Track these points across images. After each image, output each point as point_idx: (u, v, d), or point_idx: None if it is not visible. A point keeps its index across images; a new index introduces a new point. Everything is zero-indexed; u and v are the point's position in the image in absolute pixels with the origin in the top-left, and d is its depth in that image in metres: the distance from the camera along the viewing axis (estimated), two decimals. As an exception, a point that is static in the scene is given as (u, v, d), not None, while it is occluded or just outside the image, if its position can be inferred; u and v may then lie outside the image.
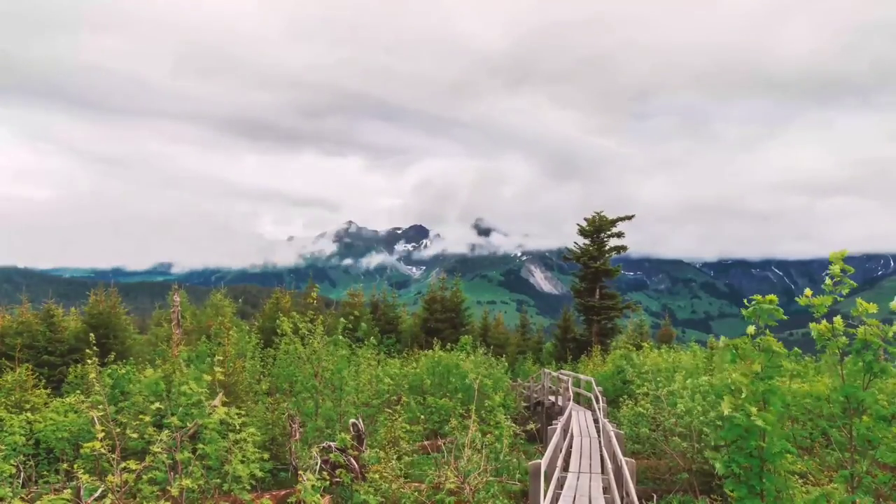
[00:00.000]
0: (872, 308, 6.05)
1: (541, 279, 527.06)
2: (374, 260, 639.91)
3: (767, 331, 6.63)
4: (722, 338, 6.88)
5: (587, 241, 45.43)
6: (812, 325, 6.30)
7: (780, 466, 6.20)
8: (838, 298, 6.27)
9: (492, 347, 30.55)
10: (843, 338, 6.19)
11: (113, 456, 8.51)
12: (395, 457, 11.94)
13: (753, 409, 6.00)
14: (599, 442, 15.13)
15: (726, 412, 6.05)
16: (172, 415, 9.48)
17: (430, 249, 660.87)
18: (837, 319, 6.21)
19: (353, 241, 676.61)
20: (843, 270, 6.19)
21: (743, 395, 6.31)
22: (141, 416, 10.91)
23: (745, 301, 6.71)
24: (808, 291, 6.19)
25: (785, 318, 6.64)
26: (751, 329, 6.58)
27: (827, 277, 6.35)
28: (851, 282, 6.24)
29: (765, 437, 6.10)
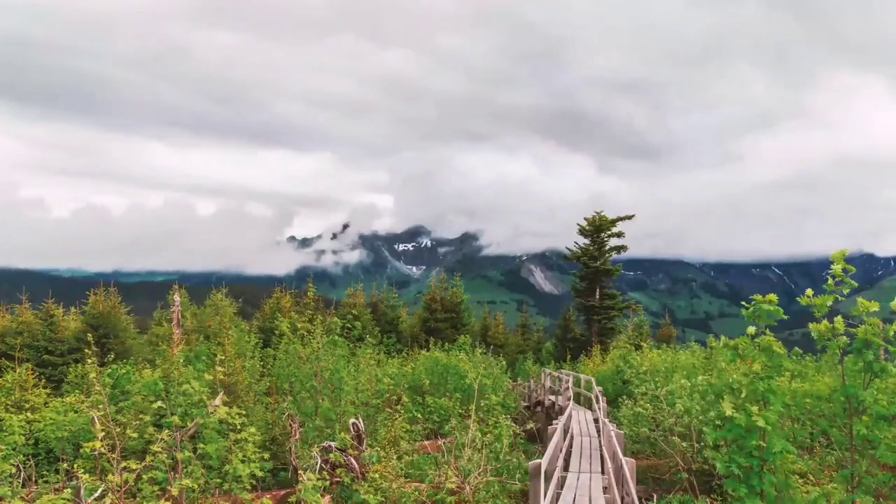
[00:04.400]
0: (874, 306, 6.06)
1: (541, 279, 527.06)
2: (373, 259, 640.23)
3: (768, 331, 6.65)
4: (722, 337, 6.86)
5: (587, 241, 45.46)
6: (812, 325, 6.32)
7: (780, 466, 6.21)
8: (839, 298, 6.30)
9: (491, 347, 30.54)
10: (844, 338, 6.21)
11: (113, 455, 8.52)
12: (395, 456, 11.95)
13: (754, 409, 6.01)
14: (599, 442, 15.13)
15: (728, 412, 6.05)
16: (172, 415, 9.48)
17: (431, 249, 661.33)
18: (838, 319, 6.23)
19: (353, 241, 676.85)
20: (844, 270, 6.21)
21: (743, 395, 6.32)
22: (141, 416, 10.93)
23: (747, 301, 6.72)
24: (809, 292, 6.21)
25: (785, 317, 6.65)
26: (751, 329, 6.59)
27: (828, 277, 6.37)
28: (852, 282, 6.26)
29: (765, 436, 6.11)
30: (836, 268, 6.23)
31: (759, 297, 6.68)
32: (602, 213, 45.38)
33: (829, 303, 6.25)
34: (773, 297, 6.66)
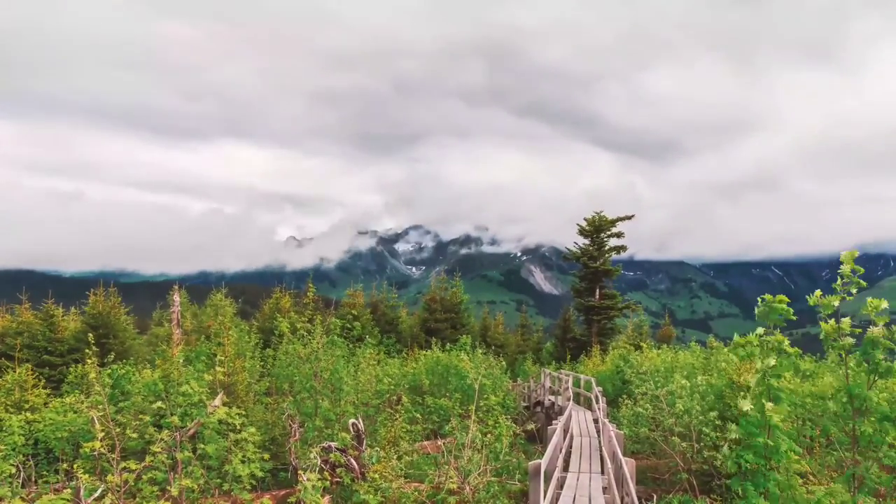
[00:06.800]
0: (883, 303, 6.06)
1: (541, 279, 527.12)
2: (373, 259, 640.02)
3: (777, 331, 6.65)
4: (735, 336, 6.86)
5: (587, 241, 45.46)
6: (823, 324, 6.31)
7: (785, 465, 6.21)
8: (847, 297, 6.29)
9: (492, 347, 30.53)
10: (850, 339, 6.21)
11: (113, 456, 8.52)
12: (395, 456, 11.95)
13: (769, 405, 6.02)
14: (599, 442, 15.14)
15: (746, 408, 6.06)
16: (172, 415, 9.48)
17: (431, 249, 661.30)
18: (845, 320, 6.22)
19: (354, 241, 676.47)
20: (852, 270, 6.20)
21: (759, 391, 6.32)
22: (141, 416, 10.92)
23: (749, 301, 6.75)
24: (817, 292, 6.21)
25: (794, 318, 6.66)
26: (760, 329, 6.60)
27: (826, 277, 6.38)
28: (861, 281, 6.25)
29: (770, 434, 6.11)
30: (846, 268, 6.21)
31: (769, 296, 6.69)
32: (602, 214, 45.39)
33: (836, 303, 6.25)
34: (783, 297, 6.67)
